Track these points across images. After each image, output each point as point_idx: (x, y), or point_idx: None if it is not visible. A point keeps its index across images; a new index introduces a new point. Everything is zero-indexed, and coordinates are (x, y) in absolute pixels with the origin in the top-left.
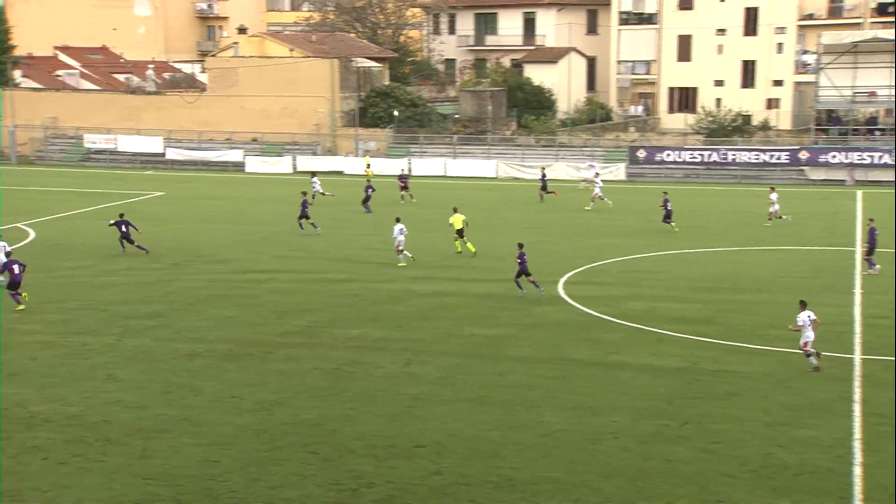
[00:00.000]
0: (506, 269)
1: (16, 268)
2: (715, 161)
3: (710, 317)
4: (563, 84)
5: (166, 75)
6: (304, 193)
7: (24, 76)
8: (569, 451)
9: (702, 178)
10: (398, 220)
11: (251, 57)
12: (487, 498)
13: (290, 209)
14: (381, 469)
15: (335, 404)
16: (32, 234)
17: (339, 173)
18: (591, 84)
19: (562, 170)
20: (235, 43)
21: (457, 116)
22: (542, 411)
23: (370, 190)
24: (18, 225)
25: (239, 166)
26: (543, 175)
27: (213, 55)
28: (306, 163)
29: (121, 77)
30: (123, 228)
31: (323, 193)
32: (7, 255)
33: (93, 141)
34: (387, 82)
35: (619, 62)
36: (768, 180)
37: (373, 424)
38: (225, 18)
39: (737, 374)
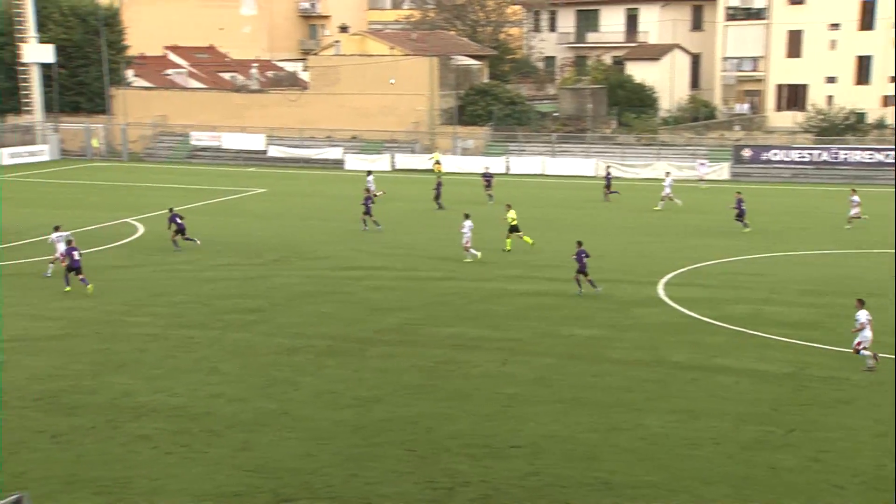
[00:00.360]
0: (603, 269)
1: (75, 254)
2: (825, 161)
3: (819, 321)
4: (666, 82)
5: (269, 74)
6: (368, 190)
7: (136, 76)
8: (668, 456)
9: (811, 178)
10: (467, 217)
11: (352, 55)
12: (583, 500)
13: (387, 207)
14: (477, 468)
15: (431, 402)
16: (141, 230)
17: None
18: (694, 81)
19: (662, 168)
20: (337, 41)
21: (556, 115)
22: (641, 414)
23: (440, 187)
24: (128, 220)
25: (338, 164)
26: (608, 174)
27: (315, 54)
28: (405, 160)
29: (226, 76)
30: (178, 220)
31: (375, 194)
32: (68, 243)
33: (199, 138)
34: (486, 80)
35: (725, 59)
36: (884, 181)
37: (468, 423)
38: (327, 17)
39: (847, 381)
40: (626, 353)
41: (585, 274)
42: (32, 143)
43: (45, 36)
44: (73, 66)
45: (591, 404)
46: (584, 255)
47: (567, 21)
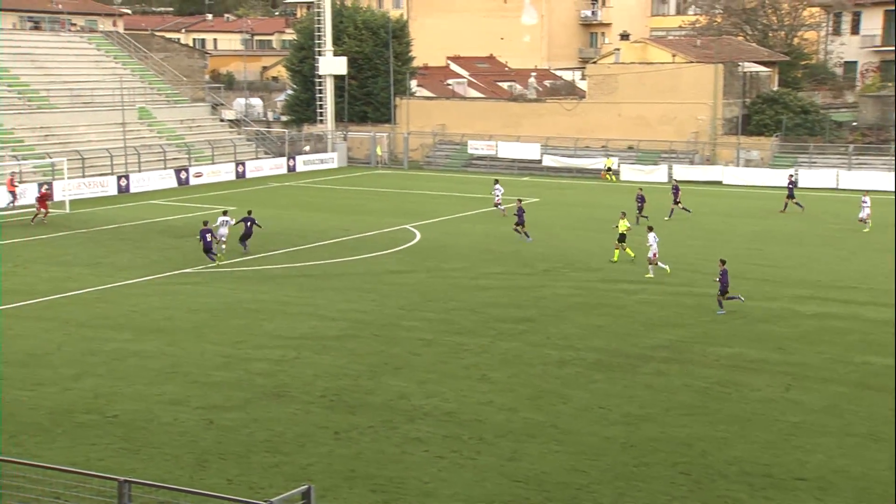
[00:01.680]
0: None
1: (208, 236)
2: None
3: None
4: None
5: (547, 83)
6: (520, 200)
7: (419, 86)
8: None
9: None
10: (651, 229)
11: (631, 63)
12: None
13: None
14: (757, 499)
15: (706, 425)
16: (418, 236)
17: (718, 183)
18: None
19: None
20: (617, 49)
21: (854, 124)
22: None
23: (643, 201)
24: (406, 226)
25: (613, 174)
26: (791, 181)
27: (594, 62)
28: (682, 172)
29: (504, 85)
30: (248, 225)
31: (497, 204)
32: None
33: (476, 147)
34: (775, 87)
35: None
36: None
37: (747, 450)
38: (608, 25)
39: None
40: None
41: (724, 293)
42: (324, 150)
43: (339, 49)
44: (363, 78)
45: (891, 441)
46: (726, 274)
47: (873, 23)
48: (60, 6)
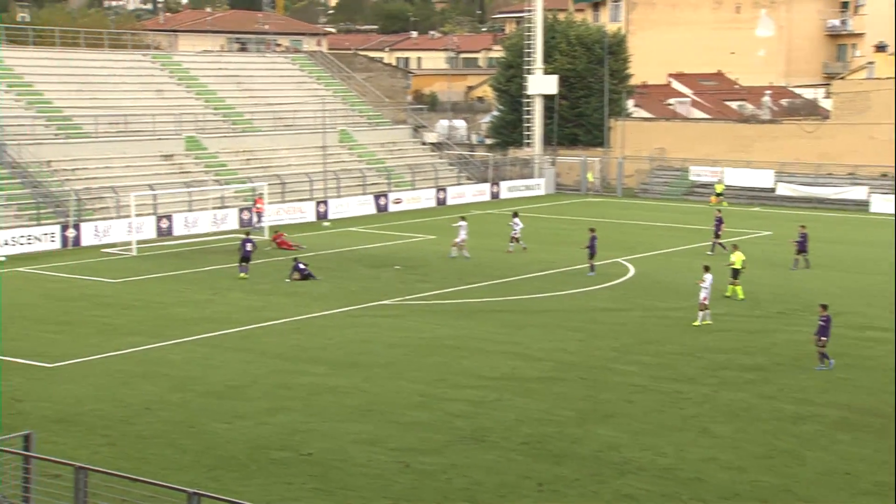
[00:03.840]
0: None
1: (248, 245)
2: None
3: None
4: None
5: (783, 102)
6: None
7: (636, 106)
8: None
9: None
10: (707, 269)
11: (888, 78)
12: None
13: None
14: None
15: None
16: (632, 270)
17: None
18: None
19: None
20: (870, 63)
21: None
22: None
23: (720, 224)
24: (619, 260)
25: (862, 205)
26: None
27: (842, 77)
28: None
29: (733, 105)
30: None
31: (516, 239)
32: (246, 234)
33: (698, 173)
34: None
35: None
36: None
37: None
38: (860, 35)
39: None
40: None
41: (820, 341)
42: (530, 176)
43: (549, 67)
44: (575, 97)
45: None
46: (827, 320)
47: None
48: (267, 26)
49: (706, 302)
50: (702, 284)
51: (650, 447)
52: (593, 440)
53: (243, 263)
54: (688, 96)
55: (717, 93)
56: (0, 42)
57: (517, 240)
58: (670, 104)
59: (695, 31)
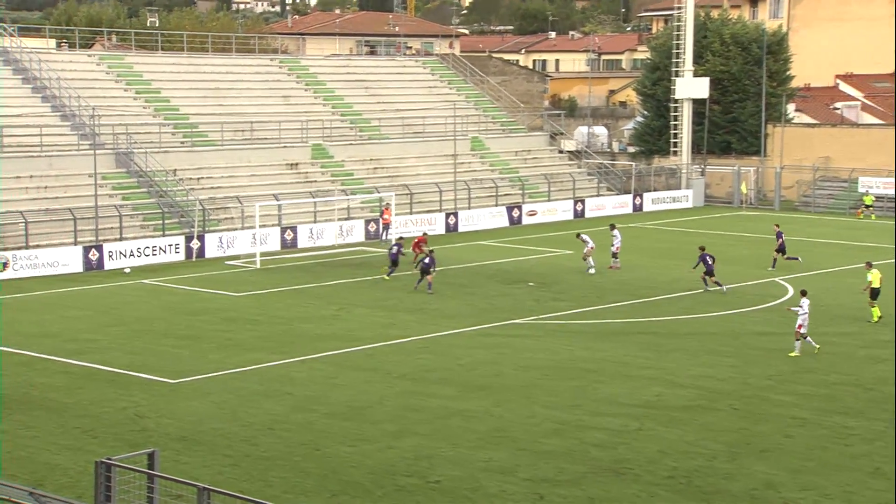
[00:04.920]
0: None
1: (394, 248)
2: None
3: None
4: None
5: None
6: (702, 248)
7: (797, 110)
8: None
9: None
10: (804, 294)
11: None
12: None
13: None
14: None
15: None
16: (791, 291)
17: None
18: None
19: None
20: None
21: None
22: None
23: (780, 237)
24: (776, 279)
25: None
26: None
27: None
28: None
29: None
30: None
31: (615, 254)
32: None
33: (868, 185)
34: None
35: None
36: None
37: None
38: None
39: None
40: None
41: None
42: (676, 187)
43: (700, 68)
44: (728, 102)
45: None
46: None
47: None
48: (397, 28)
49: (802, 330)
50: (799, 311)
51: (813, 487)
52: (747, 477)
53: (392, 267)
54: (857, 100)
55: (891, 95)
56: (130, 48)
57: (615, 255)
58: (837, 108)
59: (867, 26)
